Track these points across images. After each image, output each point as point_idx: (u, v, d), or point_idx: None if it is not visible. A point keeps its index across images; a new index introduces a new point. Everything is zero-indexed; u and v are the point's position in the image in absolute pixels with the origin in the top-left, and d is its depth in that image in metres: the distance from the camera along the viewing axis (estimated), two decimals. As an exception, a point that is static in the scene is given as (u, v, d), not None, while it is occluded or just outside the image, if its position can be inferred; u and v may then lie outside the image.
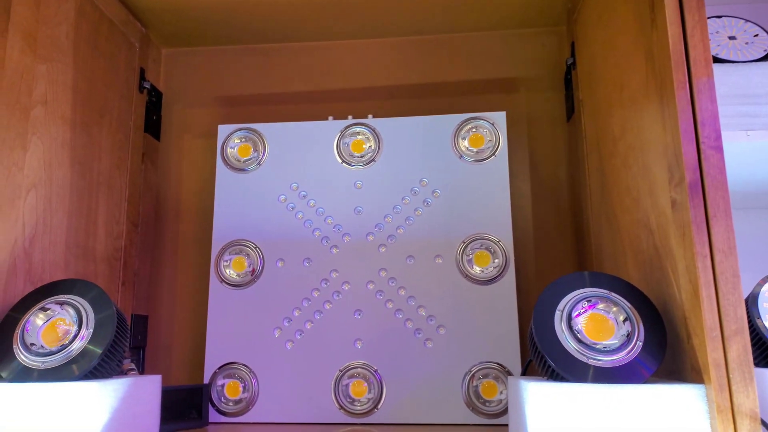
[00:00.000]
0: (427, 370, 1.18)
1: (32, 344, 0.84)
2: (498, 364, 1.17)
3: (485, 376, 1.17)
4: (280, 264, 1.26)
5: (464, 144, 1.28)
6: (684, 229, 0.76)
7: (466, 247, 1.23)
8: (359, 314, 1.22)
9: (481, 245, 1.22)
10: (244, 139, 1.32)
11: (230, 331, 1.23)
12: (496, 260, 1.21)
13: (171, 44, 1.49)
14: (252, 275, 1.26)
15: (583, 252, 1.27)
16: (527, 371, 0.99)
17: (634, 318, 0.79)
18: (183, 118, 1.48)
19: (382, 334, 1.21)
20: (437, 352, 1.19)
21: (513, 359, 1.17)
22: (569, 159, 1.37)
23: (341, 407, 1.18)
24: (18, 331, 0.85)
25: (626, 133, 0.99)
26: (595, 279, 0.84)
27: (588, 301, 0.81)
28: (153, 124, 1.41)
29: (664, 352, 0.78)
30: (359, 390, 1.19)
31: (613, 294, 0.81)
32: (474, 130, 1.28)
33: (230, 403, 1.21)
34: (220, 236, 1.28)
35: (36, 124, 0.99)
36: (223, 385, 1.22)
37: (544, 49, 1.42)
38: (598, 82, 1.14)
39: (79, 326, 0.86)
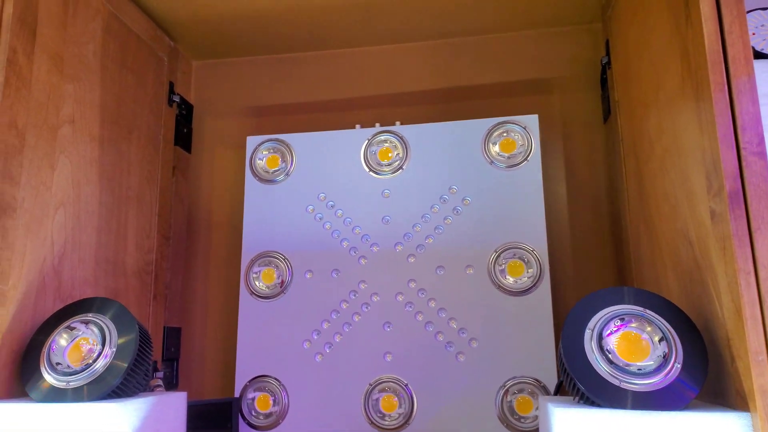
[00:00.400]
0: (460, 384, 1.15)
1: (58, 363, 0.85)
2: (533, 378, 1.13)
3: (520, 391, 1.13)
4: (308, 275, 1.25)
5: (495, 149, 1.23)
6: (724, 243, 0.71)
7: (498, 256, 1.19)
8: (389, 327, 1.20)
9: (514, 255, 1.18)
10: (272, 150, 1.32)
11: (260, 343, 1.23)
12: (530, 270, 1.17)
13: (200, 56, 1.50)
14: (281, 287, 1.25)
15: (623, 260, 1.21)
16: (560, 391, 0.94)
17: (671, 337, 0.74)
18: (214, 129, 1.49)
19: (413, 347, 1.18)
20: (469, 366, 1.15)
21: (549, 374, 1.12)
22: (607, 162, 1.31)
23: (372, 422, 1.16)
24: (45, 351, 0.86)
25: (663, 136, 0.93)
26: (628, 295, 0.79)
27: (621, 319, 0.76)
28: (183, 137, 1.42)
29: (705, 375, 0.72)
30: (390, 404, 1.17)
31: (648, 311, 0.76)
32: (505, 134, 1.24)
33: (261, 417, 1.21)
34: (249, 248, 1.28)
35: (64, 143, 1.00)
36: (253, 398, 1.21)
37: (578, 48, 1.37)
38: (634, 82, 1.08)
39: (103, 345, 0.86)
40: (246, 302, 1.26)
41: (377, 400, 1.17)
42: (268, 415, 1.20)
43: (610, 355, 0.74)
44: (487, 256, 1.19)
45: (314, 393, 1.19)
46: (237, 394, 1.21)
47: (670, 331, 0.74)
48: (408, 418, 1.15)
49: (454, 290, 1.19)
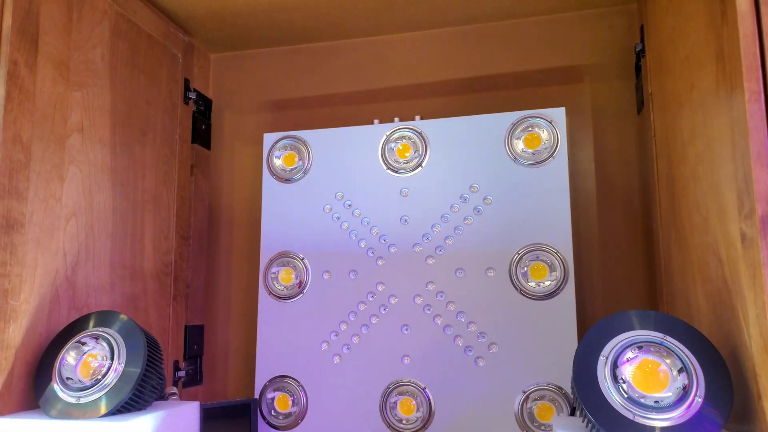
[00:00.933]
0: (479, 389, 1.12)
1: (69, 378, 0.86)
2: (555, 385, 1.09)
3: (541, 398, 1.09)
4: (326, 276, 1.23)
5: (519, 145, 1.17)
6: (755, 270, 0.64)
7: (520, 258, 1.14)
8: (406, 329, 1.17)
9: (537, 257, 1.13)
10: (289, 148, 1.29)
11: (279, 343, 1.22)
12: (554, 273, 1.12)
13: (218, 49, 1.47)
14: (299, 287, 1.24)
15: (654, 266, 1.14)
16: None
17: (692, 368, 0.69)
18: (233, 124, 1.47)
19: (431, 350, 1.15)
20: (489, 371, 1.12)
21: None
22: (640, 156, 1.23)
23: (389, 425, 1.15)
24: (56, 365, 0.87)
25: (695, 140, 0.85)
26: (648, 319, 0.73)
27: (638, 347, 0.71)
28: (202, 134, 1.40)
29: (729, 411, 0.67)
30: (407, 408, 1.15)
31: (668, 339, 0.71)
32: (530, 129, 1.17)
33: (280, 417, 1.21)
34: (267, 248, 1.27)
35: (73, 153, 0.99)
36: (273, 398, 1.21)
37: (611, 32, 1.27)
38: (668, 75, 0.99)
39: (112, 359, 0.87)
40: (265, 303, 1.25)
41: (395, 403, 1.15)
42: (287, 415, 1.20)
43: (624, 386, 0.69)
44: (509, 258, 1.14)
45: (332, 394, 1.18)
46: (257, 393, 1.22)
47: (691, 362, 0.69)
48: (426, 422, 1.13)
49: (473, 293, 1.15)
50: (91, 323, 0.91)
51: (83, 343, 0.88)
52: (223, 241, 1.44)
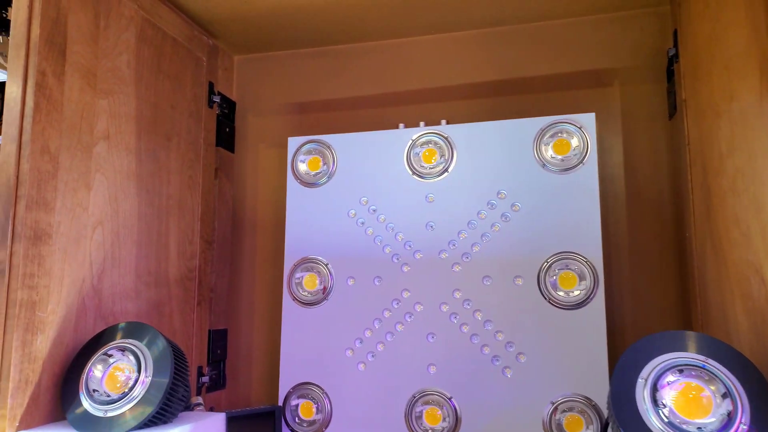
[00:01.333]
0: (506, 399, 1.10)
1: (95, 390, 0.86)
2: (584, 397, 1.07)
3: (570, 409, 1.07)
4: (350, 282, 1.22)
5: (548, 151, 1.15)
6: (803, 294, 0.62)
7: (549, 267, 1.12)
8: (432, 337, 1.16)
9: (567, 265, 1.11)
10: (313, 152, 1.27)
11: (303, 350, 1.22)
12: (584, 282, 1.10)
13: (242, 51, 1.46)
14: (323, 293, 1.23)
15: (686, 275, 1.11)
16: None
17: (736, 394, 0.67)
18: (257, 127, 1.46)
19: (457, 359, 1.14)
20: (517, 381, 1.10)
21: (601, 392, 1.06)
22: (672, 162, 1.20)
23: (415, 434, 1.14)
24: (83, 378, 0.87)
25: (735, 153, 0.83)
26: (688, 341, 0.71)
27: (680, 371, 0.69)
28: (226, 137, 1.40)
29: (774, 437, 0.65)
30: (433, 418, 1.14)
31: (710, 362, 0.69)
32: (559, 135, 1.15)
33: (304, 424, 1.20)
34: (291, 253, 1.26)
35: (99, 161, 0.99)
36: (297, 405, 1.21)
37: (642, 35, 1.24)
38: (704, 82, 0.97)
39: (139, 371, 0.86)
40: (289, 309, 1.24)
41: (421, 412, 1.14)
42: (311, 423, 1.20)
43: (665, 410, 0.67)
44: (538, 266, 1.12)
45: (357, 402, 1.18)
46: (281, 400, 1.21)
47: (735, 387, 0.67)
48: (452, 432, 1.12)
49: (501, 301, 1.13)
50: (118, 335, 0.90)
51: (109, 356, 0.88)
52: (247, 245, 1.43)
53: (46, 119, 0.88)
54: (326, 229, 1.24)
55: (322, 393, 1.20)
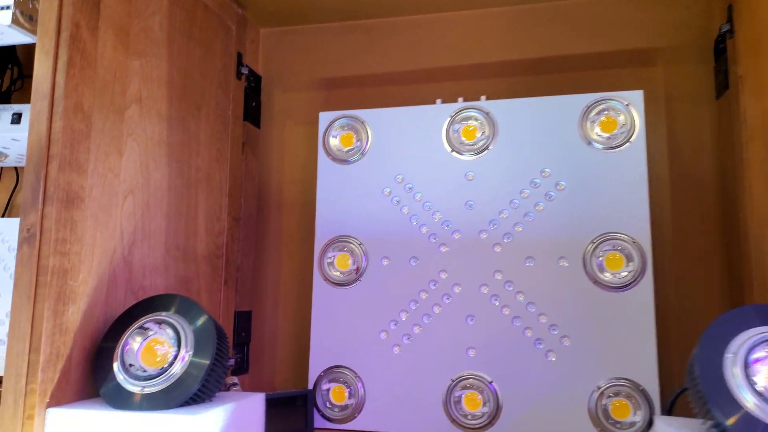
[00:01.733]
0: (550, 384, 1.06)
1: (131, 365, 0.80)
2: (630, 381, 1.03)
3: (616, 394, 1.03)
4: (385, 262, 1.17)
5: (594, 129, 1.11)
6: None
7: (595, 247, 1.07)
8: (471, 320, 1.11)
9: (614, 246, 1.07)
10: (346, 128, 1.22)
11: (335, 332, 1.17)
12: (631, 263, 1.05)
13: (269, 24, 1.40)
14: (356, 274, 1.18)
15: (736, 259, 1.07)
16: (673, 408, 0.84)
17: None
18: (283, 103, 1.41)
19: (498, 342, 1.09)
20: (561, 365, 1.06)
21: (648, 376, 1.02)
22: (719, 144, 1.16)
23: (453, 420, 1.09)
24: (117, 352, 0.81)
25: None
26: (774, 314, 0.67)
27: (771, 344, 0.65)
28: (252, 111, 1.34)
29: None
30: (473, 403, 1.09)
31: (803, 336, 0.65)
32: (606, 112, 1.11)
33: (336, 409, 1.15)
34: (323, 232, 1.21)
35: (131, 125, 0.93)
36: (328, 390, 1.16)
37: (687, 13, 1.20)
38: (766, 57, 0.92)
39: (178, 347, 0.81)
40: (320, 289, 1.19)
41: (460, 397, 1.10)
42: (343, 408, 1.15)
43: (762, 388, 0.63)
44: (583, 247, 1.08)
45: (392, 387, 1.13)
46: (311, 383, 1.16)
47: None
48: (493, 417, 1.08)
49: (544, 283, 1.09)
50: (156, 307, 0.85)
51: (146, 329, 0.82)
52: (272, 225, 1.37)
53: (80, 75, 0.82)
54: (359, 207, 1.19)
55: (355, 377, 1.15)
